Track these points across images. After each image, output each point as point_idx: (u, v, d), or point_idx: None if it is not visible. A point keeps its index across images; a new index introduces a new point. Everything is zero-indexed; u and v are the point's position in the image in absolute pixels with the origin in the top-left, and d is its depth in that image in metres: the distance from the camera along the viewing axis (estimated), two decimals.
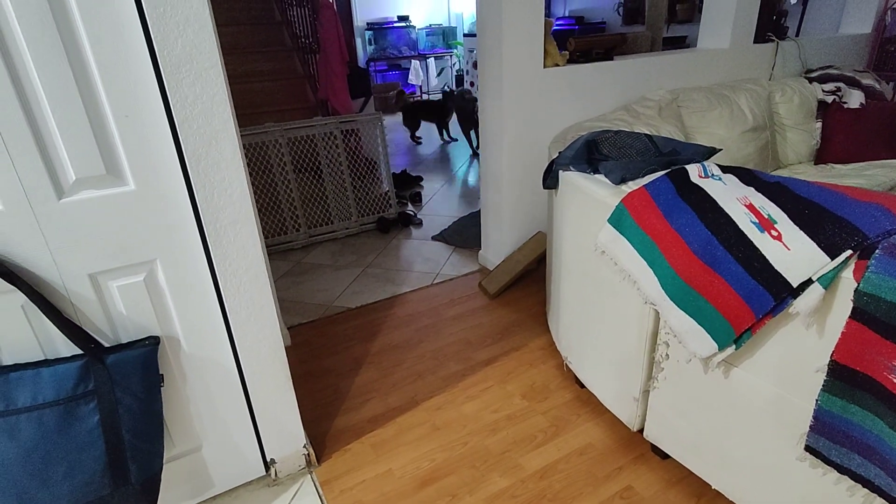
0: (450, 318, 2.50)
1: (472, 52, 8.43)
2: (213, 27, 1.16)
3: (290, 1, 4.65)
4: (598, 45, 2.73)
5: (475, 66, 8.44)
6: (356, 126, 3.53)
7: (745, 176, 1.39)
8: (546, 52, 2.52)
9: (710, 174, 1.43)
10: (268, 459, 1.62)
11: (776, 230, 1.16)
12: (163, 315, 1.33)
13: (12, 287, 1.14)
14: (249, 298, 1.40)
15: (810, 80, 3.25)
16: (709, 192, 1.34)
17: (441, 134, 6.42)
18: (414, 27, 9.03)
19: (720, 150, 1.74)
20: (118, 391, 1.23)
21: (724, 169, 1.45)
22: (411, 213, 3.81)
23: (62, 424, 1.17)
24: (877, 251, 1.01)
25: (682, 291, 1.33)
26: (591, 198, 1.65)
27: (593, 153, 1.78)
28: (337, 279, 2.94)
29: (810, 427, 1.14)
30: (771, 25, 3.63)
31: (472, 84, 8.61)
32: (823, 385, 1.09)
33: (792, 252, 1.12)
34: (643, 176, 1.56)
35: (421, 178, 4.71)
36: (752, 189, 1.30)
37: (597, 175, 1.69)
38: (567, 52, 2.65)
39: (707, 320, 1.28)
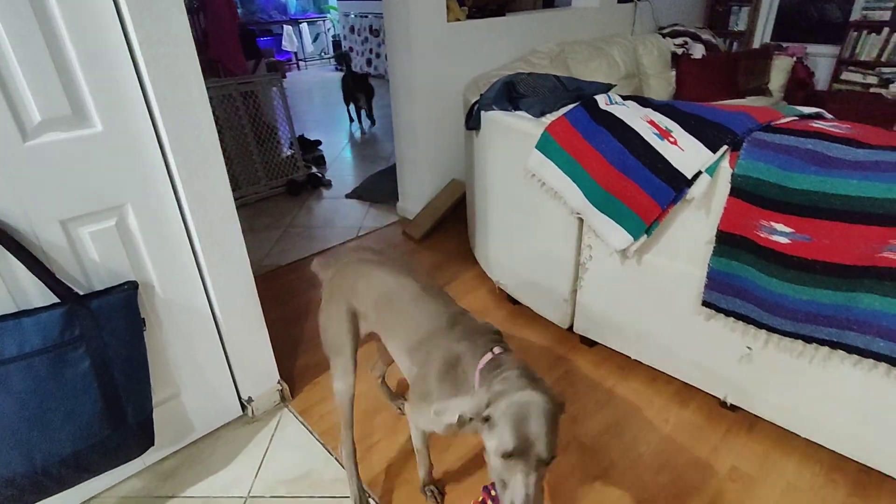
0: None
1: (347, 16, 8.30)
2: None
3: None
4: (492, 1, 2.95)
5: (353, 30, 8.33)
6: (254, 88, 3.43)
7: (642, 101, 1.70)
8: (448, 7, 2.68)
9: (614, 102, 1.73)
10: (244, 398, 1.69)
11: (672, 137, 1.48)
12: (136, 261, 1.33)
13: None
14: (221, 239, 1.44)
15: (663, 36, 3.79)
16: (617, 115, 1.63)
17: (360, 117, 5.32)
18: None
19: (615, 84, 2.07)
20: (105, 335, 1.23)
21: (624, 97, 1.76)
22: (319, 174, 3.83)
23: (53, 371, 1.16)
24: (744, 144, 1.36)
25: (603, 197, 1.62)
26: (515, 131, 1.88)
27: (511, 93, 2.01)
28: (259, 241, 2.92)
29: (705, 286, 1.49)
30: None
31: (350, 49, 8.50)
32: (713, 251, 1.44)
33: (685, 152, 1.44)
34: (559, 108, 1.82)
35: (320, 142, 4.67)
36: (650, 109, 1.61)
37: (518, 112, 1.92)
38: (465, 8, 2.84)
39: (623, 218, 1.59)
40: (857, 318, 1.24)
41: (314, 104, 6.36)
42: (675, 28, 3.96)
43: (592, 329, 1.93)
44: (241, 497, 1.46)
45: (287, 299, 2.36)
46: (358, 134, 5.02)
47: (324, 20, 9.26)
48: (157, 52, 1.19)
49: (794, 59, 4.04)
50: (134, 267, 1.33)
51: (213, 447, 1.62)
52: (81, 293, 1.23)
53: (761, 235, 1.33)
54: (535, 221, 1.93)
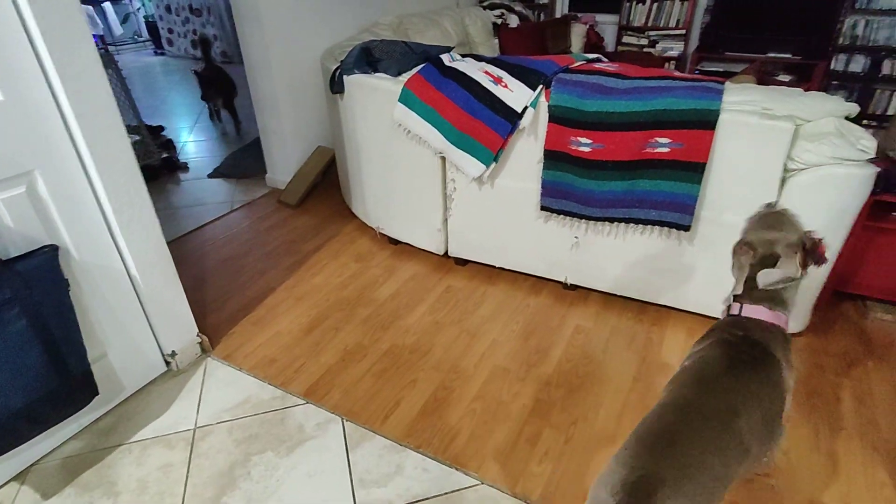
0: (266, 229, 2.80)
1: None
2: None
3: None
4: None
5: (169, 10, 7.73)
6: None
7: (476, 57, 2.12)
8: None
9: (455, 59, 2.13)
10: (167, 353, 1.81)
11: (503, 82, 1.92)
12: (49, 226, 1.40)
13: None
14: (129, 200, 1.55)
15: (484, 8, 4.33)
16: (460, 69, 2.03)
17: (219, 116, 4.68)
18: None
19: (454, 46, 2.46)
20: (35, 295, 1.31)
21: (463, 56, 2.17)
22: (174, 158, 3.73)
23: None
24: (553, 82, 1.84)
25: (458, 136, 2.02)
26: (378, 90, 2.19)
27: (369, 58, 2.30)
28: None
29: (540, 194, 1.98)
30: None
31: (170, 31, 7.89)
32: (543, 166, 1.92)
33: (514, 93, 1.89)
34: (412, 68, 2.17)
35: (162, 128, 4.47)
36: (484, 63, 2.04)
37: (377, 73, 2.23)
38: None
39: (476, 151, 2.01)
40: (638, 198, 1.81)
41: (140, 91, 5.90)
42: (493, 1, 4.53)
43: (463, 250, 2.36)
44: (189, 429, 1.63)
45: (179, 271, 2.42)
46: (229, 133, 4.41)
47: None
48: (53, 21, 1.27)
49: (587, 26, 4.87)
50: (48, 232, 1.40)
51: (147, 400, 1.73)
52: (3, 259, 1.29)
53: (572, 148, 1.84)
54: (406, 166, 2.28)
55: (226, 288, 2.31)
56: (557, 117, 1.83)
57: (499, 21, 4.28)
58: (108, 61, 3.39)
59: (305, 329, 2.04)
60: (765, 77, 3.88)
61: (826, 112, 1.58)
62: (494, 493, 1.41)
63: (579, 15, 5.31)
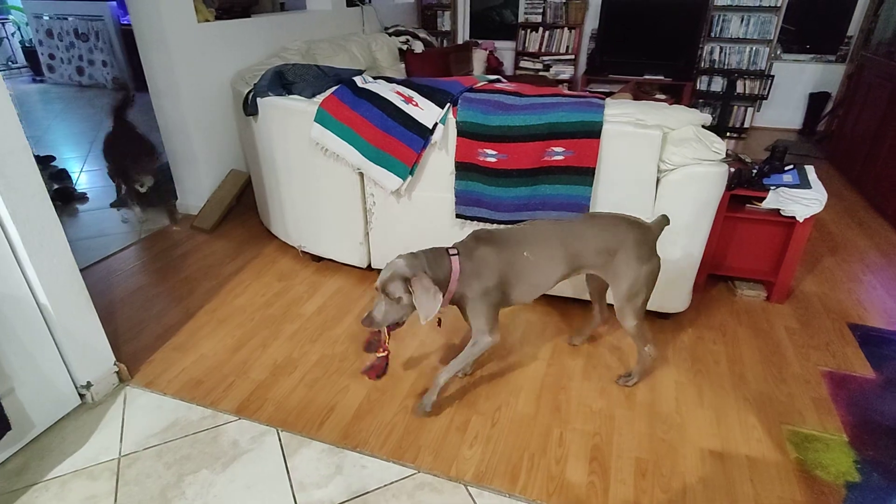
0: (181, 256, 2.73)
1: (39, 18, 7.15)
2: None
3: None
4: (237, 4, 3.20)
5: (50, 34, 7.21)
6: None
7: (387, 79, 2.26)
8: (196, 9, 2.85)
9: (367, 81, 2.26)
10: (81, 384, 1.73)
11: (414, 101, 2.07)
12: None
13: None
14: (40, 225, 1.50)
15: (390, 35, 4.52)
16: (373, 90, 2.15)
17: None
18: None
19: (365, 69, 2.59)
20: None
21: (375, 78, 2.30)
22: (70, 188, 3.51)
23: None
24: (459, 101, 2.02)
25: (374, 153, 2.14)
26: (294, 111, 2.26)
27: (283, 80, 2.37)
28: None
29: (455, 203, 2.14)
30: None
31: (52, 57, 7.35)
32: (455, 177, 2.09)
33: (424, 111, 2.04)
34: (326, 90, 2.26)
35: (53, 157, 4.18)
36: (395, 84, 2.18)
37: (291, 95, 2.30)
38: (213, 10, 3.03)
39: (392, 166, 2.14)
40: (540, 201, 2.02)
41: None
42: (398, 28, 4.74)
43: (386, 261, 2.45)
44: (114, 458, 1.57)
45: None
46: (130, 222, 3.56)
47: (4, 23, 7.75)
48: None
49: (487, 52, 5.22)
50: None
51: (62, 435, 1.65)
52: None
53: (480, 159, 2.02)
54: (325, 184, 2.35)
55: (139, 317, 2.23)
56: (465, 132, 2.00)
57: (404, 47, 4.49)
58: None
59: (231, 349, 2.03)
60: (642, 96, 4.38)
61: (686, 121, 1.88)
62: (431, 479, 1.51)
63: (479, 42, 5.67)
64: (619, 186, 1.95)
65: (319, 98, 2.22)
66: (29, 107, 6.07)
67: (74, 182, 3.80)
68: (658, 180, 1.91)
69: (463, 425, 1.68)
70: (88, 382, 1.74)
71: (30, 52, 7.65)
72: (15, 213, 1.44)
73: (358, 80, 2.25)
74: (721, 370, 1.92)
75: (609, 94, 4.29)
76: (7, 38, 7.90)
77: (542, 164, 1.96)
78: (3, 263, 1.45)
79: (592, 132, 1.88)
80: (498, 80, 2.31)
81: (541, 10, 5.47)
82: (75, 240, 2.90)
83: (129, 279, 2.51)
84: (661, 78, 5.03)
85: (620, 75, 5.15)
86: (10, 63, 7.97)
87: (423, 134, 2.05)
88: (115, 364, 1.83)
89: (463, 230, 2.23)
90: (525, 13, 5.56)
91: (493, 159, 2.00)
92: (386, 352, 1.86)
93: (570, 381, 1.87)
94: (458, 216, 2.17)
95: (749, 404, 1.77)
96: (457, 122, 2.01)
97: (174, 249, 2.80)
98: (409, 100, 2.09)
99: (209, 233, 2.98)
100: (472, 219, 2.16)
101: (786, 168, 2.33)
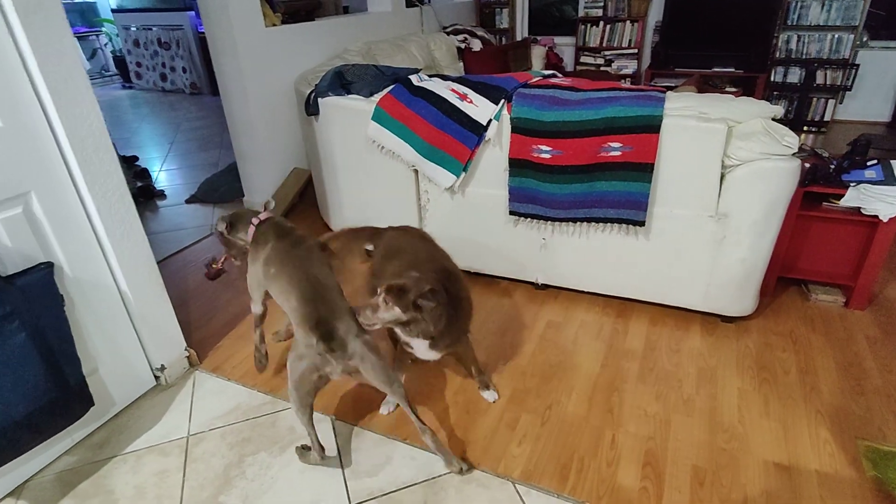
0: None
1: (127, 29, 7.74)
2: None
3: None
4: (301, 8, 3.33)
5: (137, 44, 7.79)
6: None
7: (443, 77, 2.29)
8: (264, 14, 2.99)
9: (423, 79, 2.29)
10: (156, 367, 1.86)
11: (469, 98, 2.08)
12: (45, 244, 1.48)
13: None
14: (121, 217, 1.63)
15: (448, 34, 4.55)
16: (428, 88, 2.18)
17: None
18: None
19: (421, 69, 2.63)
20: (34, 309, 1.38)
21: (430, 76, 2.33)
22: (150, 186, 3.78)
23: None
24: (514, 96, 2.01)
25: (429, 150, 2.16)
26: (352, 110, 2.33)
27: (342, 81, 2.44)
28: None
29: (509, 200, 2.13)
30: None
31: (139, 65, 7.94)
32: (509, 174, 2.08)
33: (479, 107, 2.05)
34: (383, 89, 2.31)
35: (136, 157, 4.51)
36: (450, 81, 2.20)
37: (350, 95, 2.37)
38: (280, 14, 3.17)
39: (446, 163, 2.15)
40: (596, 198, 1.97)
41: (109, 124, 5.92)
42: (456, 27, 4.76)
43: None
44: (183, 437, 1.68)
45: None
46: (177, 149, 4.80)
47: (97, 34, 8.45)
48: (48, 52, 1.37)
49: (546, 48, 5.15)
50: (43, 250, 1.47)
51: (138, 414, 1.78)
52: (3, 275, 1.36)
53: (534, 155, 2.00)
54: (381, 180, 2.40)
55: (209, 306, 2.37)
56: (519, 128, 1.99)
57: (462, 45, 4.50)
58: None
59: (290, 339, 2.12)
60: (708, 89, 4.17)
61: (754, 114, 1.78)
62: (479, 475, 1.51)
63: (539, 38, 5.60)
64: (679, 183, 1.87)
65: (377, 97, 2.27)
66: (119, 111, 6.58)
67: (154, 180, 4.09)
68: (722, 176, 1.82)
69: (512, 422, 1.68)
70: (162, 365, 1.87)
71: (120, 61, 8.29)
72: (100, 207, 1.57)
73: (414, 78, 2.28)
74: (790, 380, 1.80)
75: (673, 88, 4.12)
76: (101, 48, 8.60)
77: (598, 160, 1.92)
78: (90, 253, 1.59)
79: (651, 126, 1.82)
80: (553, 76, 2.27)
81: (602, 4, 5.33)
82: (154, 233, 3.12)
83: (200, 270, 2.68)
84: (732, 70, 4.77)
85: (687, 68, 4.92)
86: (103, 72, 8.67)
87: (477, 131, 2.05)
88: (186, 349, 1.95)
89: (517, 227, 2.22)
90: (585, 7, 5.43)
91: (547, 155, 1.97)
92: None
93: (624, 384, 1.82)
94: (511, 213, 2.16)
95: (821, 417, 1.65)
96: (511, 118, 2.00)
97: None
98: (463, 97, 2.10)
99: None
100: (525, 216, 2.14)
101: (868, 163, 2.14)
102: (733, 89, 4.84)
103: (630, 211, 1.95)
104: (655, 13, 5.21)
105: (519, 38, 5.88)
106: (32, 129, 1.39)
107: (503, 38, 5.88)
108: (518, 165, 2.04)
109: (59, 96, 1.42)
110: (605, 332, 2.09)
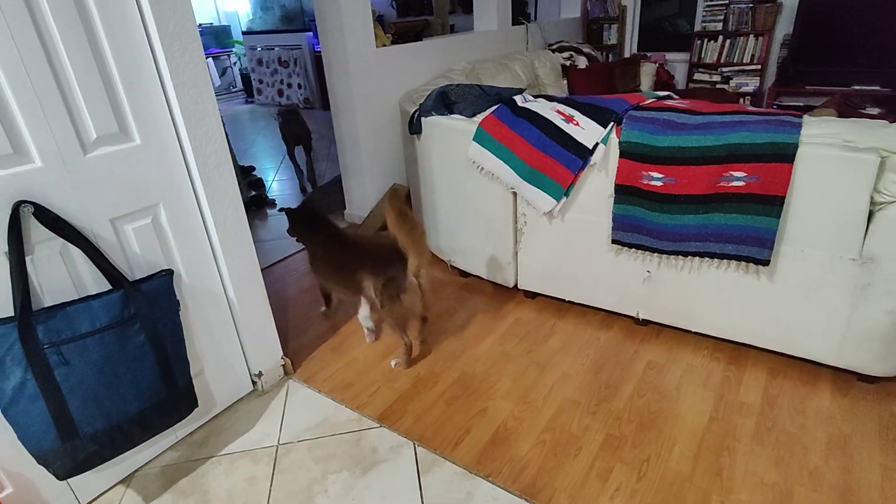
0: None
1: (253, 49, 8.47)
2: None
3: None
4: (410, 29, 3.42)
5: (260, 63, 8.50)
6: None
7: (548, 98, 2.21)
8: (375, 35, 3.10)
9: (528, 100, 2.23)
10: (255, 373, 1.95)
11: (575, 121, 1.99)
12: (167, 252, 1.60)
13: (52, 235, 1.33)
14: (233, 229, 1.73)
15: (553, 51, 4.46)
16: (532, 109, 2.12)
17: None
18: None
19: (525, 88, 2.58)
20: (154, 313, 1.49)
21: (535, 97, 2.27)
22: (262, 195, 4.05)
23: (119, 343, 1.41)
24: (624, 119, 1.89)
25: (530, 173, 2.09)
26: (454, 130, 2.32)
27: (445, 101, 2.45)
28: None
29: (612, 228, 2.00)
30: (518, 12, 4.79)
31: (260, 81, 8.66)
32: (614, 200, 1.95)
33: (585, 130, 1.95)
34: (486, 109, 2.29)
35: (253, 168, 4.87)
36: (556, 102, 2.12)
37: (453, 115, 2.37)
38: (390, 35, 3.27)
39: (546, 186, 2.07)
40: (713, 232, 1.79)
41: (230, 135, 6.48)
42: (562, 44, 4.66)
43: (532, 282, 2.39)
44: (273, 445, 1.74)
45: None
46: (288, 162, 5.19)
47: (228, 54, 9.33)
48: (183, 76, 1.49)
49: (657, 64, 4.89)
50: (166, 257, 1.59)
51: (234, 417, 1.87)
52: (130, 280, 1.48)
53: (644, 183, 1.86)
54: (478, 202, 2.37)
55: (306, 316, 2.46)
56: (629, 153, 1.86)
57: (567, 63, 4.40)
58: None
59: (380, 356, 2.13)
60: (848, 110, 3.71)
61: None
62: None
63: (648, 54, 5.34)
64: (814, 220, 1.64)
65: (479, 117, 2.25)
66: (240, 124, 7.19)
67: (268, 189, 4.38)
68: (871, 214, 1.57)
69: (604, 473, 1.55)
70: (260, 372, 1.95)
71: (245, 78, 9.10)
72: (217, 219, 1.68)
73: (518, 99, 2.23)
74: None
75: (803, 110, 3.72)
76: (230, 67, 9.50)
77: (717, 191, 1.74)
78: (205, 262, 1.70)
79: (784, 155, 1.62)
80: (668, 97, 2.12)
81: (721, 17, 4.97)
82: (261, 241, 3.32)
83: (301, 280, 2.80)
84: (877, 88, 4.22)
85: (819, 86, 4.44)
86: (230, 88, 9.56)
87: (581, 154, 1.96)
88: (282, 358, 2.03)
89: (618, 257, 2.08)
90: (703, 21, 5.09)
91: (658, 183, 1.83)
92: None
93: (736, 443, 1.62)
94: (614, 242, 2.02)
95: None
96: (620, 142, 1.88)
97: None
98: (569, 119, 2.01)
99: None
100: (630, 245, 2.00)
101: None
102: (877, 110, 4.28)
103: (752, 248, 1.75)
104: (784, 26, 4.76)
105: (627, 55, 5.64)
106: (165, 146, 1.52)
107: (610, 55, 5.68)
108: (625, 192, 1.91)
109: (189, 116, 1.53)
110: (714, 379, 1.88)
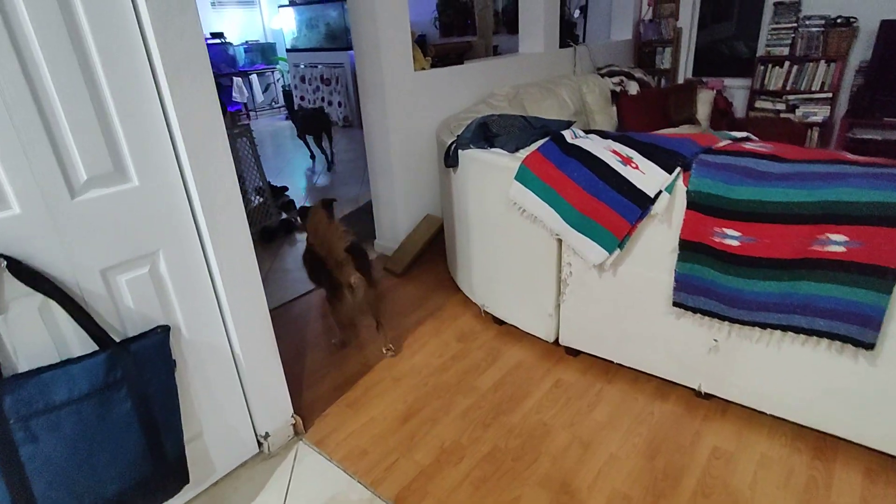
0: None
1: (297, 66, 8.53)
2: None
3: None
4: (451, 51, 3.24)
5: (303, 80, 8.55)
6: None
7: (602, 134, 1.96)
8: (414, 58, 2.93)
9: (578, 136, 1.98)
10: (261, 434, 1.75)
11: (634, 163, 1.73)
12: (166, 304, 1.42)
13: (30, 290, 1.16)
14: (242, 276, 1.55)
15: (602, 76, 4.21)
16: (583, 147, 1.87)
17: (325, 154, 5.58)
18: (231, 44, 8.77)
19: (574, 122, 2.34)
20: (144, 376, 1.30)
21: (587, 132, 2.02)
22: (292, 219, 3.92)
23: (100, 413, 1.22)
24: (693, 165, 1.62)
25: (578, 218, 1.84)
26: (493, 166, 2.10)
27: (486, 133, 2.23)
28: None
29: (674, 288, 1.72)
30: (566, 34, 4.56)
31: (302, 98, 8.70)
32: (678, 257, 1.67)
33: (646, 175, 1.69)
34: (531, 144, 2.05)
35: (286, 188, 4.78)
36: (610, 140, 1.87)
37: (493, 149, 2.15)
38: (429, 58, 3.10)
39: (598, 236, 1.81)
40: (800, 303, 1.49)
41: (269, 151, 6.46)
42: (612, 68, 4.40)
43: (576, 339, 2.12)
44: None
45: (281, 340, 2.43)
46: (319, 180, 5.14)
47: (272, 71, 9.45)
48: (190, 109, 1.32)
49: (715, 91, 4.55)
50: (164, 310, 1.42)
51: (235, 486, 1.67)
52: (118, 339, 1.31)
53: (716, 240, 1.58)
54: (517, 245, 2.13)
55: (324, 361, 2.26)
56: (698, 204, 1.59)
57: (618, 89, 4.13)
58: (245, 130, 3.71)
59: (401, 417, 1.90)
60: None
61: None
62: None
63: (705, 80, 5.01)
64: None
65: (523, 153, 2.02)
66: (279, 140, 7.19)
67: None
68: None
69: None
70: (266, 433, 1.75)
71: (287, 95, 9.16)
72: (223, 266, 1.49)
73: (567, 134, 1.99)
74: None
75: (881, 143, 3.33)
76: (273, 83, 9.61)
77: (808, 255, 1.45)
78: (209, 314, 1.52)
79: None
80: (747, 139, 1.83)
81: (789, 42, 4.60)
82: (286, 271, 3.16)
83: (320, 319, 2.61)
84: None
85: None
86: (273, 103, 9.67)
87: (641, 202, 1.69)
88: (292, 416, 1.83)
89: (679, 320, 1.79)
90: (767, 45, 4.73)
91: (734, 242, 1.54)
92: None
93: None
94: (676, 304, 1.74)
95: None
96: (688, 191, 1.61)
97: None
98: (627, 160, 1.75)
99: (399, 276, 3.00)
100: (694, 310, 1.71)
101: None
102: None
103: (852, 326, 1.44)
104: (860, 51, 4.36)
105: (681, 80, 5.32)
106: (167, 186, 1.35)
107: (662, 80, 5.37)
108: (692, 249, 1.64)
109: (195, 152, 1.36)
110: (797, 479, 1.56)
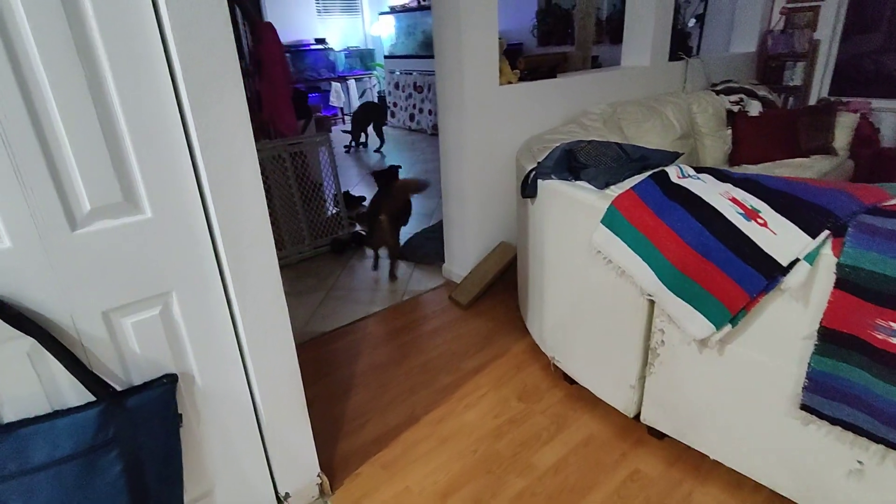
0: (429, 332, 2.52)
1: (392, 73, 8.56)
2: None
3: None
4: (543, 63, 2.92)
5: (397, 86, 8.57)
6: (303, 148, 3.47)
7: (719, 174, 1.57)
8: (500, 70, 2.65)
9: (686, 175, 1.60)
10: (281, 494, 1.55)
11: (762, 218, 1.33)
12: (177, 350, 1.25)
13: (18, 333, 1.03)
14: (271, 323, 1.35)
15: (717, 93, 3.67)
16: (692, 190, 1.49)
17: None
18: (332, 49, 8.99)
19: (682, 153, 1.94)
20: (140, 435, 1.14)
21: (698, 170, 1.63)
22: (364, 232, 3.79)
23: (83, 478, 1.07)
24: (850, 229, 1.20)
25: (679, 280, 1.47)
26: (576, 202, 1.77)
27: (572, 162, 1.91)
28: (301, 305, 2.85)
29: (804, 387, 1.30)
30: (678, 45, 4.07)
31: (395, 105, 8.73)
32: (815, 349, 1.25)
33: (778, 236, 1.29)
34: (625, 180, 1.70)
35: (364, 199, 4.68)
36: (730, 185, 1.48)
37: (579, 182, 1.82)
38: (518, 71, 2.80)
39: (703, 304, 1.43)
40: None
41: (353, 159, 6.46)
42: (729, 85, 3.84)
43: (663, 420, 1.73)
44: None
45: (328, 372, 2.26)
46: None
47: (370, 77, 9.59)
48: (215, 134, 1.14)
49: (858, 115, 3.83)
50: (175, 357, 1.25)
51: None
52: (119, 388, 1.15)
53: (878, 336, 1.15)
54: (599, 298, 1.78)
55: (369, 405, 2.04)
56: (854, 285, 1.17)
57: (735, 108, 3.58)
58: (325, 139, 3.63)
59: (440, 494, 1.63)
60: None
61: None
62: None
63: (846, 100, 4.27)
64: None
65: (614, 190, 1.67)
66: (368, 146, 7.21)
67: None
68: None
69: None
70: (287, 493, 1.55)
71: (381, 100, 9.26)
72: (247, 310, 1.31)
73: (672, 171, 1.61)
74: None
75: None
76: (369, 88, 9.76)
77: None
78: (227, 362, 1.34)
79: None
80: None
81: None
82: (350, 289, 3.00)
83: (376, 350, 2.40)
84: None
85: None
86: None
87: (768, 271, 1.29)
88: (318, 475, 1.62)
89: (807, 427, 1.36)
90: None
91: None
92: None
93: None
94: (804, 407, 1.32)
95: None
96: (840, 264, 1.19)
97: (428, 322, 2.62)
98: (751, 214, 1.36)
99: (464, 309, 2.73)
100: (833, 421, 1.28)
101: None
102: None
103: None
104: None
105: (814, 100, 4.59)
106: (185, 219, 1.18)
107: (790, 99, 4.66)
108: (838, 343, 1.21)
109: (219, 182, 1.18)
110: None
